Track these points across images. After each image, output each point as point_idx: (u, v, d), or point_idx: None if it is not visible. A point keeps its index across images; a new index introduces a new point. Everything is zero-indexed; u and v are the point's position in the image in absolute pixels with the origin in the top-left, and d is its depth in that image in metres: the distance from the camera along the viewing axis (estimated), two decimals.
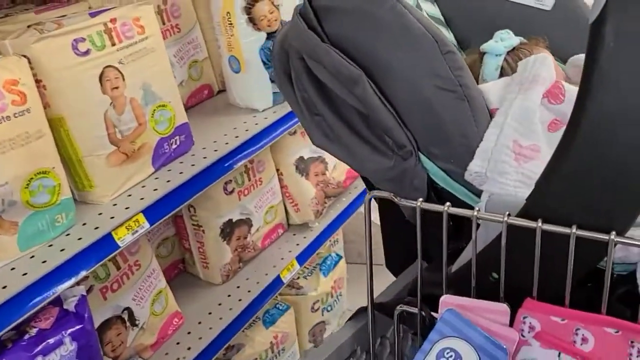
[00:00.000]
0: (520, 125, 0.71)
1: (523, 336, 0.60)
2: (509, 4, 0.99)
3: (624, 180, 0.54)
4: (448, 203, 0.65)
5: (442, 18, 1.03)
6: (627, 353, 0.56)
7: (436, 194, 0.77)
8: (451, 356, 0.61)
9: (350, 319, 0.86)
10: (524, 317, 0.60)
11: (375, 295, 0.80)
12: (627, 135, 0.52)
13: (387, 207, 0.99)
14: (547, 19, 0.97)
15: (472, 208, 0.70)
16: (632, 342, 0.55)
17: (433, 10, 1.03)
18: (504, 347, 0.58)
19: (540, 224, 0.58)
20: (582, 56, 0.87)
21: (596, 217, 0.55)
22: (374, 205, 0.78)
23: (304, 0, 0.87)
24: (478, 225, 0.68)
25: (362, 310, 0.86)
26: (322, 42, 0.80)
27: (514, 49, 0.87)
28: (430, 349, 0.62)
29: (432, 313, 0.71)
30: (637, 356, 0.55)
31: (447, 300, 0.64)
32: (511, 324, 0.62)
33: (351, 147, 0.82)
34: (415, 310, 0.72)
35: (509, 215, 0.61)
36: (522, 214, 0.61)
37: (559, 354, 0.57)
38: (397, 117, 0.75)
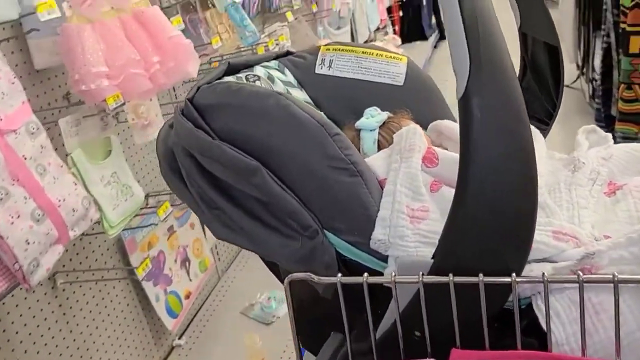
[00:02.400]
0: (409, 190, 0.79)
1: None
2: (366, 83, 1.11)
3: (509, 227, 0.62)
4: (366, 274, 0.69)
5: (311, 102, 1.12)
6: None
7: (345, 266, 0.81)
8: None
9: None
10: None
11: None
12: (503, 190, 0.61)
13: (295, 288, 1.01)
14: (401, 93, 1.10)
15: (381, 274, 0.75)
16: None
17: (302, 95, 1.12)
18: None
19: (452, 278, 0.64)
20: (440, 122, 1.00)
21: (496, 262, 0.63)
22: None
23: (185, 100, 0.89)
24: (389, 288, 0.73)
25: None
26: (212, 139, 0.82)
27: (384, 123, 0.96)
28: None
29: None
30: None
31: None
32: None
33: (256, 235, 0.84)
34: None
35: (422, 274, 0.66)
36: (433, 271, 0.67)
37: None
38: (298, 200, 0.79)
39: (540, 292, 0.69)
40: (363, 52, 1.14)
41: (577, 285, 0.66)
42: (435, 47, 5.43)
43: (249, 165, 0.80)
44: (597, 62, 3.02)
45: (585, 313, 0.65)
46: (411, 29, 5.37)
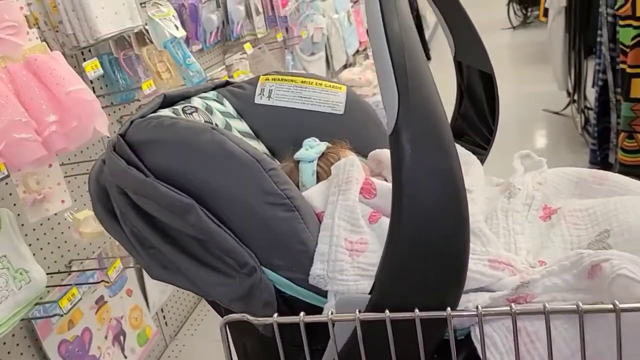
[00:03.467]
0: (347, 223, 0.78)
1: None
2: (306, 112, 1.11)
3: (443, 262, 0.62)
4: (303, 313, 0.67)
5: (251, 132, 1.11)
6: None
7: (285, 302, 0.79)
8: None
9: None
10: None
11: None
12: (435, 226, 0.61)
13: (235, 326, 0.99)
14: (341, 122, 1.10)
15: (321, 311, 0.74)
16: None
17: (242, 126, 1.10)
18: None
19: (388, 314, 0.63)
20: (379, 151, 1.01)
21: (432, 297, 0.62)
22: None
23: (117, 137, 0.86)
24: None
25: None
26: (146, 176, 0.80)
27: (323, 154, 0.96)
28: None
29: None
30: None
31: None
32: None
33: (192, 274, 0.81)
34: None
35: (359, 311, 0.65)
36: (370, 307, 0.66)
37: None
38: (234, 237, 0.77)
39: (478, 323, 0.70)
40: (302, 82, 1.14)
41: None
42: None
43: (183, 203, 0.77)
44: (590, 92, 2.71)
45: (521, 342, 0.66)
46: None
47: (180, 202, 0.77)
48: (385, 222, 0.80)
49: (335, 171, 0.85)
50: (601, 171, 0.97)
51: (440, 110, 0.61)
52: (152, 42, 1.78)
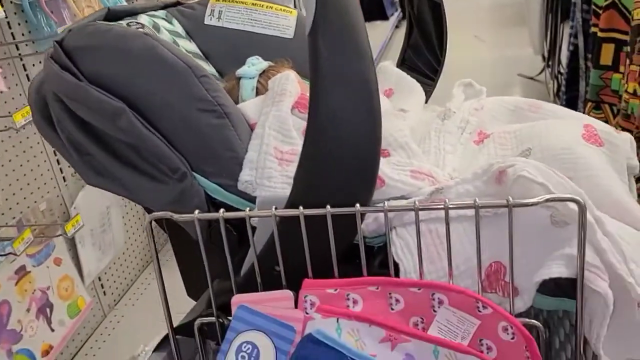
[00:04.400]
0: (278, 133, 0.80)
1: (307, 313, 0.67)
2: (256, 35, 1.11)
3: (354, 161, 0.65)
4: (222, 209, 0.70)
5: (200, 53, 1.11)
6: (387, 304, 0.66)
7: (215, 208, 0.82)
8: (248, 348, 0.65)
9: (155, 350, 0.85)
10: (305, 296, 0.68)
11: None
12: (348, 124, 0.63)
13: (176, 234, 1.01)
14: (291, 46, 1.11)
15: None
16: (390, 293, 0.66)
17: (191, 46, 1.10)
18: (293, 326, 0.65)
19: (302, 210, 0.66)
20: None
21: (345, 196, 0.65)
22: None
23: (54, 43, 0.86)
24: (254, 228, 0.75)
25: (165, 339, 0.86)
26: (79, 81, 0.80)
27: (264, 71, 0.97)
28: (229, 347, 0.65)
29: (229, 317, 0.74)
30: (396, 304, 0.66)
31: (237, 300, 0.69)
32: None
33: (126, 180, 0.83)
34: (213, 320, 0.75)
35: (276, 209, 0.68)
36: (288, 206, 0.68)
37: (337, 319, 0.65)
38: (166, 142, 0.79)
39: (396, 227, 0.73)
40: (253, 4, 1.13)
41: (424, 218, 0.71)
42: (396, 27, 4.92)
43: (114, 107, 0.78)
44: (564, 59, 2.46)
45: (431, 242, 0.70)
46: (370, 7, 4.64)
47: (111, 106, 0.78)
48: None
49: (271, 84, 0.87)
50: (537, 100, 1.00)
51: (357, 14, 0.62)
52: None
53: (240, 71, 0.97)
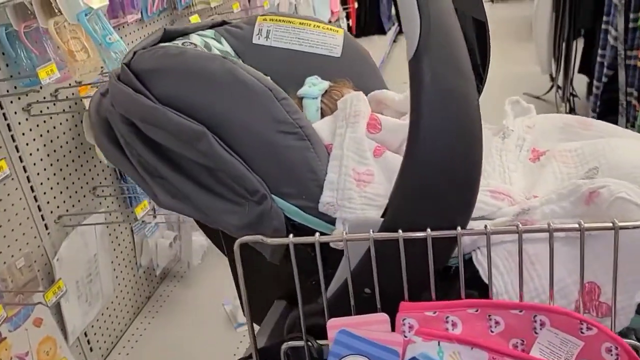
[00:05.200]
0: (355, 154, 0.81)
1: (405, 336, 0.67)
2: (303, 54, 1.11)
3: (456, 185, 0.65)
4: (318, 233, 0.70)
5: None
6: (487, 326, 0.67)
7: (293, 230, 0.82)
8: None
9: None
10: (403, 319, 0.68)
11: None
12: (451, 148, 0.64)
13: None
14: (338, 65, 1.12)
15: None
16: (489, 315, 0.66)
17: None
18: (396, 350, 0.65)
19: (401, 234, 0.66)
20: (378, 92, 1.03)
21: (443, 219, 0.66)
22: None
23: (122, 66, 0.86)
24: (338, 250, 0.75)
25: None
26: (155, 104, 0.80)
27: (326, 91, 0.97)
28: None
29: (318, 341, 0.74)
30: (496, 326, 0.66)
31: (333, 323, 0.69)
32: (393, 330, 0.68)
33: (201, 202, 0.82)
34: (301, 343, 0.75)
35: (373, 231, 0.68)
36: (383, 229, 0.69)
37: (439, 342, 0.65)
38: (245, 165, 0.79)
39: (480, 247, 0.74)
40: (300, 23, 1.14)
41: (513, 239, 0.71)
42: (394, 41, 4.94)
43: (195, 131, 0.78)
44: (576, 77, 2.36)
45: (522, 264, 0.70)
46: (368, 22, 4.74)
47: (191, 130, 0.78)
48: (390, 156, 0.83)
49: (342, 105, 0.87)
50: (586, 118, 1.01)
51: (460, 37, 0.63)
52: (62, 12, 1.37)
53: (302, 91, 0.97)
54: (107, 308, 1.88)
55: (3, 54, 1.40)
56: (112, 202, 1.88)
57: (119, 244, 1.93)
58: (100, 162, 1.80)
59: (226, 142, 0.78)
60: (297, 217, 0.80)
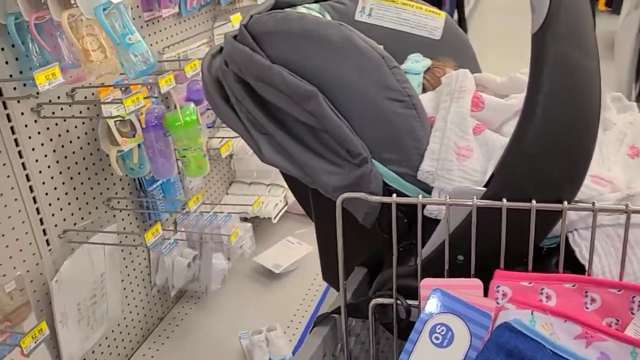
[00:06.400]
0: (457, 128, 0.83)
1: (498, 303, 0.69)
2: (405, 34, 1.13)
3: (569, 158, 0.66)
4: (421, 195, 0.72)
5: None
6: (582, 302, 0.67)
7: (388, 195, 0.84)
8: (442, 330, 0.67)
9: (313, 327, 0.88)
10: (497, 287, 0.69)
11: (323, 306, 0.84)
12: (569, 121, 0.65)
13: (324, 220, 1.04)
14: (437, 47, 1.13)
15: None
16: (586, 292, 0.67)
17: None
18: (489, 313, 0.67)
19: (505, 203, 0.68)
20: (481, 74, 1.04)
21: (550, 192, 0.67)
22: None
23: (240, 27, 0.91)
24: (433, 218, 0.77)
25: (321, 318, 0.89)
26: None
27: (429, 68, 1.00)
28: (423, 328, 0.68)
29: (408, 301, 0.77)
30: (591, 303, 0.67)
31: (427, 283, 0.71)
32: (485, 297, 0.70)
33: (303, 161, 0.86)
34: (390, 301, 0.78)
35: (476, 198, 0.70)
36: (486, 196, 0.70)
37: (532, 312, 0.66)
38: (350, 128, 0.82)
39: (578, 229, 0.74)
40: (403, 4, 1.16)
41: (613, 223, 0.72)
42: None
43: (307, 91, 0.82)
44: None
45: (620, 247, 0.71)
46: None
47: (303, 90, 0.82)
48: (489, 134, 0.85)
49: (447, 81, 0.89)
50: None
51: (588, 16, 0.64)
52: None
53: (405, 67, 1.00)
54: (113, 331, 1.65)
55: (13, 46, 1.22)
56: (128, 215, 1.67)
57: (132, 261, 1.71)
58: (112, 174, 1.57)
59: (334, 105, 0.82)
60: (395, 183, 0.82)
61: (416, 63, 1.00)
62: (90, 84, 1.37)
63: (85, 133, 1.49)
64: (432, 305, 0.68)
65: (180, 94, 1.70)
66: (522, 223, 0.68)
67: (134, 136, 1.48)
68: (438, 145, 0.81)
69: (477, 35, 4.51)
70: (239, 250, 1.95)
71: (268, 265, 2.05)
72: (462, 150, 0.82)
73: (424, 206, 0.77)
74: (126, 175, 1.63)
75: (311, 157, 0.86)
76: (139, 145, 1.52)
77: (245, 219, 2.11)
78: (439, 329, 0.67)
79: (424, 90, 0.98)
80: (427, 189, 0.82)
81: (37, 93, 1.27)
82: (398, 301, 0.77)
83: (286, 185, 2.05)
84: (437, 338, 0.67)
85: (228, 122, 0.94)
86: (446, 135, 0.81)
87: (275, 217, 2.18)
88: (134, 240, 1.47)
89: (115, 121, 1.43)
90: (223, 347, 1.73)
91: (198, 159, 1.58)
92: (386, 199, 0.74)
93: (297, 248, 2.16)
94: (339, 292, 1.03)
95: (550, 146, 0.66)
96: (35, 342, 1.12)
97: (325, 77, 0.83)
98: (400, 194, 0.84)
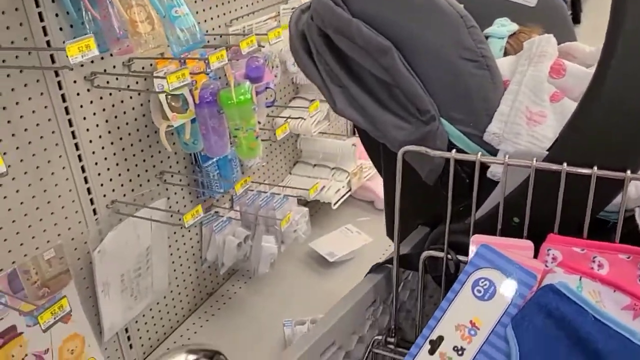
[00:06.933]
0: (532, 93, 0.82)
1: (547, 266, 0.69)
2: (498, 0, 1.11)
3: (636, 129, 0.64)
4: (480, 152, 0.73)
5: None
6: (636, 275, 0.66)
7: None
8: (485, 284, 0.69)
9: (368, 273, 0.92)
10: (548, 250, 0.70)
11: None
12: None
13: (393, 176, 1.07)
14: (532, 14, 1.10)
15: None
16: None
17: None
18: (535, 274, 0.67)
19: (565, 167, 0.67)
20: (570, 43, 1.00)
21: (613, 159, 0.65)
22: None
23: None
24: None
25: (376, 267, 0.93)
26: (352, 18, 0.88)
27: (514, 33, 0.98)
28: (466, 279, 0.70)
29: (458, 256, 0.79)
30: None
31: (478, 239, 0.73)
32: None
33: (374, 115, 0.90)
34: (441, 254, 0.80)
35: (536, 160, 0.70)
36: (547, 160, 0.70)
37: (580, 278, 0.66)
38: (421, 85, 0.84)
39: None
40: None
41: None
42: None
43: (382, 46, 0.84)
44: None
45: None
46: None
47: (379, 44, 0.84)
48: (567, 103, 0.83)
49: (527, 46, 0.88)
50: None
51: None
52: None
53: (489, 30, 0.99)
54: (158, 303, 1.63)
55: (68, 13, 1.19)
56: (182, 189, 1.61)
57: (183, 235, 1.67)
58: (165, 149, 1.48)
59: (408, 61, 0.84)
60: (460, 143, 0.83)
61: (502, 27, 0.98)
62: (140, 56, 1.21)
63: (141, 104, 1.43)
64: (478, 259, 0.70)
65: (239, 70, 1.57)
66: (582, 190, 0.68)
67: (186, 111, 1.40)
68: (508, 107, 0.81)
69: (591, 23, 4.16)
70: (293, 235, 1.84)
71: (322, 252, 1.92)
72: (534, 116, 0.81)
73: (483, 166, 0.78)
74: (182, 150, 1.58)
75: (382, 111, 0.89)
76: (193, 121, 1.44)
77: (304, 203, 1.98)
78: (482, 282, 0.69)
79: (506, 55, 0.96)
80: (493, 151, 0.82)
81: (71, 69, 1.20)
82: (448, 255, 0.79)
83: (351, 171, 2.11)
84: (479, 291, 0.69)
85: (307, 72, 0.98)
86: (518, 99, 0.80)
87: (335, 204, 2.02)
88: (179, 220, 1.36)
89: (166, 95, 1.35)
90: (266, 333, 1.68)
91: (250, 141, 1.47)
92: (445, 154, 0.75)
93: (355, 237, 2.01)
94: None
95: (620, 111, 0.64)
96: (55, 319, 1.05)
97: (401, 32, 0.84)
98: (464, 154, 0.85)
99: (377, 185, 2.19)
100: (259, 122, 1.55)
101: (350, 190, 2.12)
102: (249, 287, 1.88)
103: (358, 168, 2.11)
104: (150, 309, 1.60)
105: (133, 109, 1.41)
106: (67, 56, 0.99)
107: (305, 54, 0.99)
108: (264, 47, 1.58)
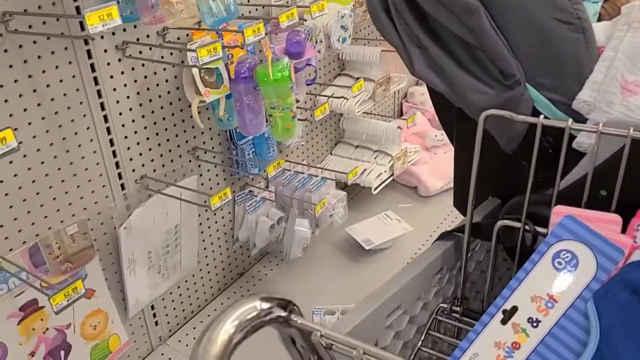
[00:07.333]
0: (629, 60, 0.76)
1: (635, 242, 0.65)
2: None
3: None
4: (570, 120, 0.69)
5: None
6: None
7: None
8: (567, 257, 0.66)
9: (436, 240, 0.90)
10: (638, 225, 0.66)
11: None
12: None
13: (466, 144, 1.04)
14: None
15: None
16: None
17: None
18: (622, 249, 0.64)
19: None
20: None
21: None
22: None
23: None
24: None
25: (445, 235, 0.90)
26: None
27: None
28: (546, 250, 0.67)
29: (537, 228, 0.75)
30: None
31: (561, 210, 0.69)
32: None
33: (454, 77, 0.86)
34: (517, 224, 0.77)
35: (632, 129, 0.65)
36: None
37: None
38: (508, 48, 0.80)
39: None
40: None
41: None
42: None
43: (470, 4, 0.80)
44: None
45: None
46: None
47: (467, 3, 0.80)
48: None
49: (626, 10, 0.82)
50: None
51: None
52: None
53: None
54: (186, 281, 1.57)
55: None
56: (215, 167, 1.53)
57: (215, 213, 1.59)
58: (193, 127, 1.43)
59: (496, 22, 0.80)
60: (546, 110, 0.79)
61: None
62: (172, 25, 1.12)
63: (175, 77, 1.34)
64: (561, 230, 0.67)
65: (279, 44, 1.47)
66: None
67: (220, 86, 1.32)
68: (602, 75, 0.76)
69: None
70: (329, 219, 1.75)
71: (359, 238, 1.82)
72: (630, 85, 0.76)
73: (571, 136, 0.74)
74: (216, 126, 1.49)
75: (463, 74, 0.85)
76: (228, 96, 1.35)
77: (343, 186, 1.91)
78: (563, 254, 0.66)
79: (600, 21, 0.91)
80: (581, 121, 0.78)
81: (92, 39, 1.14)
82: (526, 226, 0.76)
83: (394, 155, 2.00)
84: (559, 263, 0.66)
85: (385, 32, 0.95)
86: (613, 66, 0.76)
87: (375, 189, 1.90)
88: (205, 202, 1.27)
89: (199, 69, 1.27)
90: None
91: (285, 120, 1.36)
92: (532, 119, 0.72)
93: (394, 225, 1.89)
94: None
95: None
96: (68, 301, 1.01)
97: None
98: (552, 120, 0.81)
99: (422, 170, 2.11)
100: (298, 101, 1.47)
101: (392, 174, 1.99)
102: (280, 270, 1.81)
103: (402, 152, 1.97)
104: (178, 287, 1.55)
105: (166, 81, 1.33)
106: (87, 24, 0.92)
107: (384, 12, 0.95)
108: (305, 20, 1.47)
